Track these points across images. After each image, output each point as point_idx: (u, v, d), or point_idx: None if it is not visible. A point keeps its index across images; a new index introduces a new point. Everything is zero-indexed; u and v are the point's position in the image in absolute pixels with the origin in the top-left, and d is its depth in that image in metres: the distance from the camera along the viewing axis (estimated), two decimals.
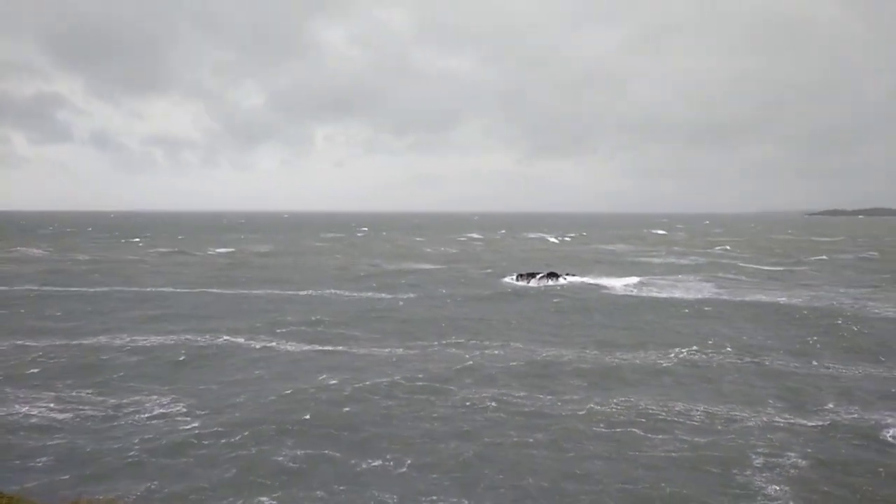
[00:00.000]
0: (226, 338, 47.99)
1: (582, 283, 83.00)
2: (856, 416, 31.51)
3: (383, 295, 71.46)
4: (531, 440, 27.94)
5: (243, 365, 40.79)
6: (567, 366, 40.55)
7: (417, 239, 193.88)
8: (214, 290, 73.72)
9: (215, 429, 28.71)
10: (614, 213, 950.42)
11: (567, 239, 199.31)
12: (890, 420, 30.60)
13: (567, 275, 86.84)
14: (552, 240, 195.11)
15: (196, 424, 29.49)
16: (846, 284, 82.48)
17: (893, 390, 35.89)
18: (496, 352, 44.40)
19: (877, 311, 61.26)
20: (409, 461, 25.71)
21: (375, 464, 25.54)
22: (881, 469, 25.25)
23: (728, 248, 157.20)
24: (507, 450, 26.91)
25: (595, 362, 41.60)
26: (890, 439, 28.34)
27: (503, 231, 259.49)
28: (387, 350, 44.98)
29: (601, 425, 29.88)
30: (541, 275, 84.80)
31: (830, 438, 28.49)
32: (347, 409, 31.66)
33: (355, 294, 72.26)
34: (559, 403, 33.01)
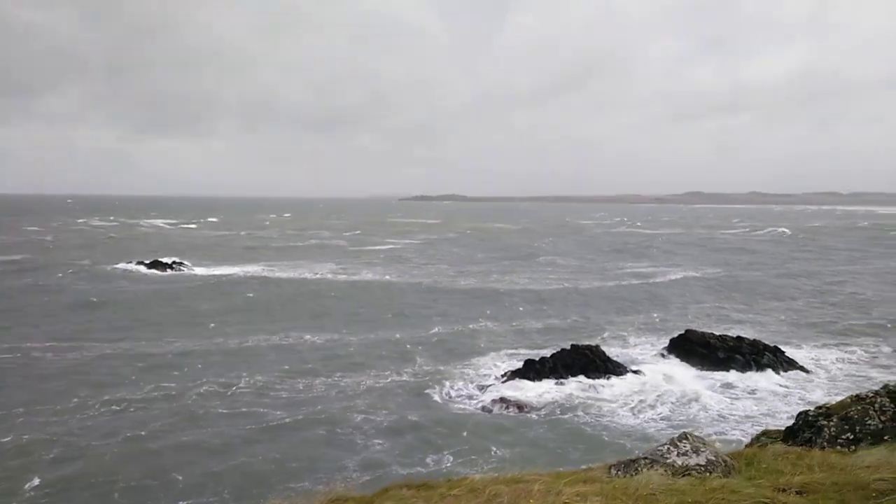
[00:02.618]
0: None
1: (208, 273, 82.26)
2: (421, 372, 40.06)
3: None
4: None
5: None
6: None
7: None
8: None
9: None
10: (236, 198, 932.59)
11: (192, 226, 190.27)
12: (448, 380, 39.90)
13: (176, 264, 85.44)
14: (164, 225, 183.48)
15: None
16: (431, 261, 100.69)
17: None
18: None
19: (463, 284, 76.76)
20: None
21: None
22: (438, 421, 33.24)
23: (337, 231, 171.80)
24: None
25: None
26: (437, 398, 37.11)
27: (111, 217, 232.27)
28: None
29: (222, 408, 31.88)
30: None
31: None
32: None
33: None
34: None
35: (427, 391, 35.75)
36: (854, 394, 16.19)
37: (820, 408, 15.76)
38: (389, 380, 37.80)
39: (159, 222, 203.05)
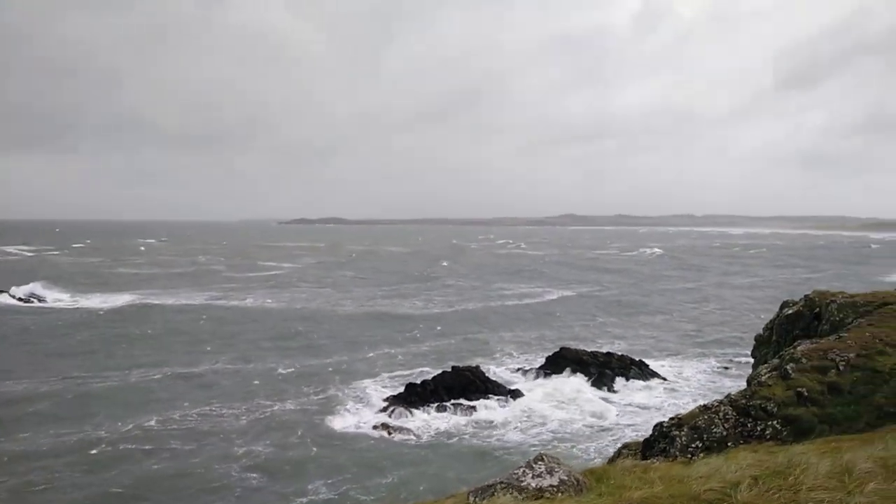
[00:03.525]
0: None
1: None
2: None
3: None
4: None
5: None
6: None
7: None
8: None
9: None
10: (105, 221, 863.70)
11: (55, 252, 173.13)
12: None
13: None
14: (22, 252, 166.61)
15: None
16: (314, 283, 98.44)
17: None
18: None
19: (351, 308, 75.22)
20: None
21: None
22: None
23: (213, 256, 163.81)
24: None
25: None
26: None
27: None
28: None
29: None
30: None
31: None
32: None
33: None
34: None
35: (310, 420, 34.63)
36: (702, 404, 17.47)
37: (673, 419, 16.82)
38: (270, 410, 36.21)
39: (12, 248, 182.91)
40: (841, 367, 14.42)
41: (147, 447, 30.21)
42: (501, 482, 8.67)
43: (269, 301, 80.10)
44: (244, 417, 34.79)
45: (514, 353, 51.71)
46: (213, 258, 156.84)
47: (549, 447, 30.15)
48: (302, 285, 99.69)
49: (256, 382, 41.92)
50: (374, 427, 33.50)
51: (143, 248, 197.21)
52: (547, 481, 8.36)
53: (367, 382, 42.13)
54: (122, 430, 32.31)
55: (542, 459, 9.13)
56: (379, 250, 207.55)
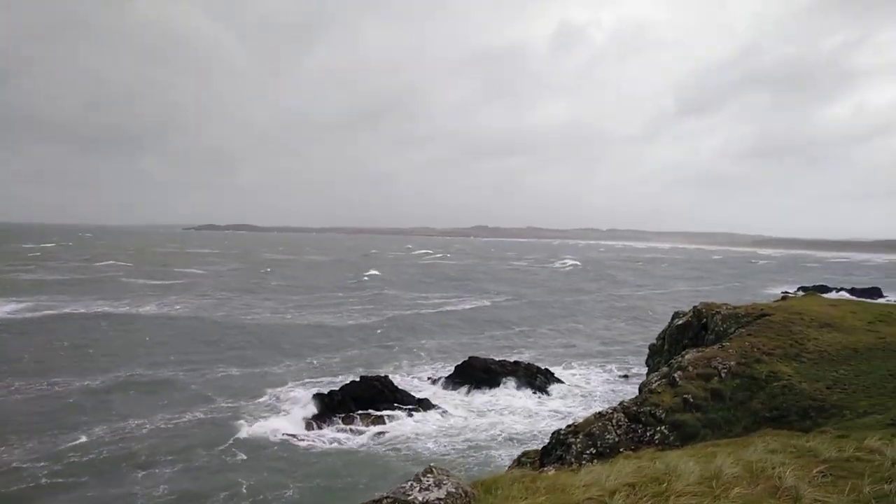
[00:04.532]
0: None
1: None
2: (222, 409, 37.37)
3: None
4: None
5: None
6: None
7: None
8: None
9: None
10: None
11: None
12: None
13: None
14: None
15: None
16: (225, 290, 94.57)
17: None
18: None
19: (251, 317, 72.61)
20: None
21: None
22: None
23: (115, 261, 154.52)
24: None
25: None
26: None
27: None
28: None
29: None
30: None
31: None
32: None
33: None
34: None
35: (216, 431, 33.18)
36: (598, 411, 18.04)
37: (570, 426, 17.26)
38: (174, 423, 34.38)
39: None
40: (723, 375, 15.30)
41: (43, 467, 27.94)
42: (388, 496, 8.50)
43: (178, 308, 76.41)
44: (147, 429, 32.99)
45: (426, 362, 51.71)
46: (120, 264, 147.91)
47: (453, 457, 30.22)
48: (213, 293, 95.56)
49: (162, 393, 39.79)
50: (281, 438, 32.45)
51: (37, 254, 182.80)
52: (434, 494, 8.25)
53: (277, 392, 40.96)
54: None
55: (432, 472, 9.02)
56: (298, 259, 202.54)
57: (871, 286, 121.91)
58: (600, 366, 51.94)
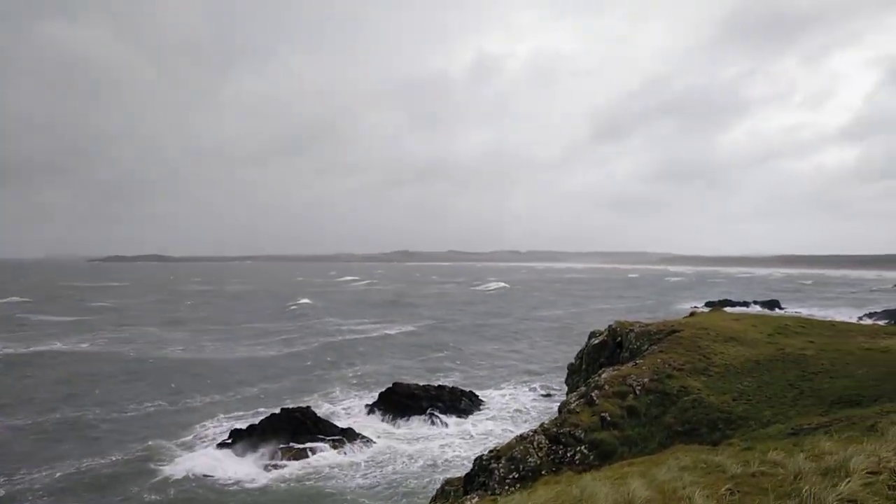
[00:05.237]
0: None
1: None
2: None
3: None
4: None
5: None
6: None
7: None
8: None
9: None
10: None
11: None
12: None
13: None
14: None
15: None
16: (140, 324, 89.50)
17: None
18: None
19: (170, 350, 68.93)
20: None
21: None
22: None
23: (10, 297, 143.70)
24: None
25: None
26: None
27: None
28: None
29: None
30: None
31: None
32: None
33: None
34: None
35: (132, 472, 31.05)
36: (519, 434, 18.08)
37: (492, 451, 17.18)
38: (82, 467, 31.91)
39: None
40: (637, 392, 15.71)
41: None
42: None
43: (85, 346, 71.58)
44: (56, 475, 30.44)
45: (356, 388, 50.64)
46: (15, 299, 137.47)
47: (380, 489, 29.53)
48: (129, 326, 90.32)
49: (69, 436, 36.97)
50: (195, 477, 30.68)
51: None
52: None
53: (196, 428, 38.98)
54: None
55: None
56: (220, 290, 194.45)
57: (770, 299, 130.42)
58: (526, 385, 52.43)
